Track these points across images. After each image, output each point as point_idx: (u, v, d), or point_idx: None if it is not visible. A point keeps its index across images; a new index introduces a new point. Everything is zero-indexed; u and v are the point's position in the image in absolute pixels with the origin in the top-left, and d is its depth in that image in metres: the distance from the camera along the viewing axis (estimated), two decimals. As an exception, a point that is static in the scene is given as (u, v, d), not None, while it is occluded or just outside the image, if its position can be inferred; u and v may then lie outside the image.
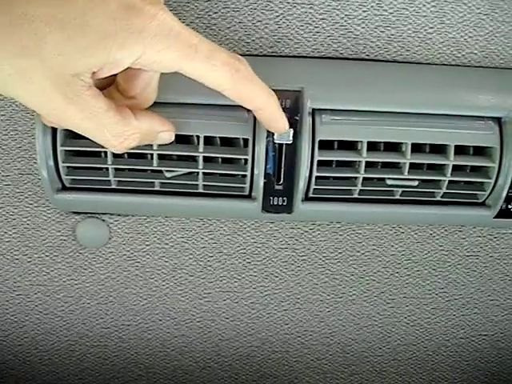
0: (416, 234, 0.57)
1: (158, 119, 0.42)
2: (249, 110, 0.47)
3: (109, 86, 0.40)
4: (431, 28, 0.49)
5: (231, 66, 0.37)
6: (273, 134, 0.47)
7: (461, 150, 0.48)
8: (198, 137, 0.47)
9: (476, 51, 0.50)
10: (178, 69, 0.36)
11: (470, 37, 0.50)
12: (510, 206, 0.51)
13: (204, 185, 0.49)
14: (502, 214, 0.51)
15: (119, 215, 0.56)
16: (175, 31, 0.35)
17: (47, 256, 0.58)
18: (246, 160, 0.48)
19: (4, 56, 0.32)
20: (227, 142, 0.48)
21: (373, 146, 0.48)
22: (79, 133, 0.38)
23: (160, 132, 0.42)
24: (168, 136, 0.43)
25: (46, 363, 0.65)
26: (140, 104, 0.41)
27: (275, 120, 0.43)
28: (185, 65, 0.36)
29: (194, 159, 0.48)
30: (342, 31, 0.49)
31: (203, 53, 0.36)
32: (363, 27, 0.49)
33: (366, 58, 0.50)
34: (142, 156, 0.48)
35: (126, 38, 0.33)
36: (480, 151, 0.49)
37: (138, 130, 0.39)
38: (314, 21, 0.49)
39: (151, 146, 0.46)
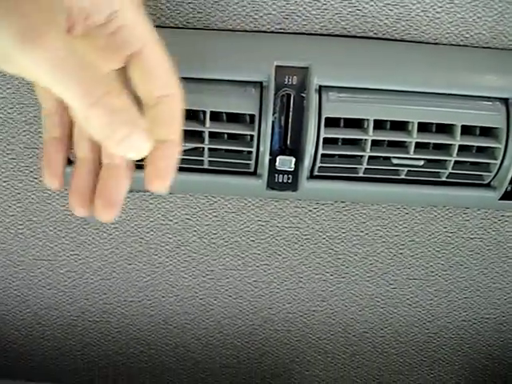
0: (420, 215, 0.57)
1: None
2: (255, 86, 0.47)
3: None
4: (440, 7, 0.49)
5: None
6: (280, 116, 0.47)
7: (467, 131, 0.48)
8: (204, 112, 0.47)
9: (484, 32, 0.50)
10: None
11: (478, 17, 0.49)
12: (515, 188, 0.51)
13: (209, 161, 0.49)
14: (507, 195, 0.51)
15: None
16: None
17: (51, 231, 0.58)
18: (251, 136, 0.48)
19: None
20: (234, 118, 0.48)
21: (379, 125, 0.48)
22: None
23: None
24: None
25: (48, 338, 0.65)
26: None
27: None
28: None
29: (199, 135, 0.48)
30: (351, 9, 0.49)
31: None
32: (371, 5, 0.49)
33: (374, 36, 0.50)
34: None
35: None
36: (486, 132, 0.49)
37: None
38: None
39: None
